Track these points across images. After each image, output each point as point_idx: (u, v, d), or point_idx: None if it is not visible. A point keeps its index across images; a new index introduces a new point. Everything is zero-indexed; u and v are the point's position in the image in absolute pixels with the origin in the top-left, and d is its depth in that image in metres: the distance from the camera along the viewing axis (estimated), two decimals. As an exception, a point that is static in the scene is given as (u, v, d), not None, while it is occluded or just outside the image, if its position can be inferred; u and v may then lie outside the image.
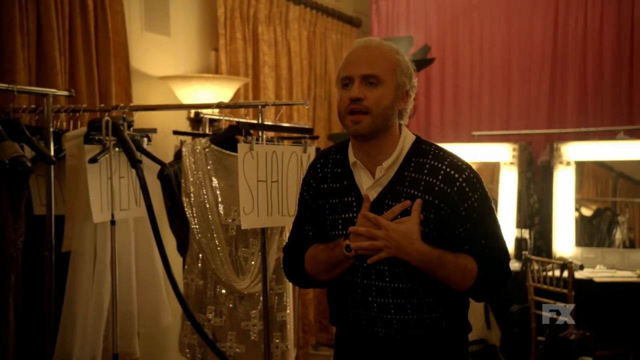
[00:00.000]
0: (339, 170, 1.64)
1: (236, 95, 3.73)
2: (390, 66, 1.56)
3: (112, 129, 2.29)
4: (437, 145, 1.63)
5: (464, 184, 1.54)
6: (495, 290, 1.61)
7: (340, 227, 1.59)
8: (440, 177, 1.55)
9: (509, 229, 4.28)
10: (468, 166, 1.58)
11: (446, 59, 5.28)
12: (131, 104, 2.80)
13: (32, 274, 2.24)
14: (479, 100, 5.21)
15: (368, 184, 1.59)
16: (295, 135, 3.50)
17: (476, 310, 3.84)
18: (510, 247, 4.22)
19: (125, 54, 3.19)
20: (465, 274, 1.53)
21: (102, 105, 2.73)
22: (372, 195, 1.57)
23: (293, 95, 4.56)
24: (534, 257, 3.70)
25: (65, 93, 2.22)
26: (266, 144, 2.37)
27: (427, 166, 1.56)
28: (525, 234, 4.20)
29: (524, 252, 3.83)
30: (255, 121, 2.63)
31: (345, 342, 1.68)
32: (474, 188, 1.55)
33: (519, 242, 4.15)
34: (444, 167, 1.56)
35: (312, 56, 4.84)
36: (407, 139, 1.61)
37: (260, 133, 2.43)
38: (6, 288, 1.81)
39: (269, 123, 2.57)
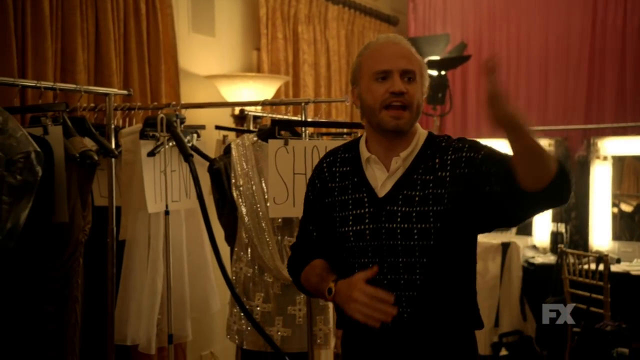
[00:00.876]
0: (348, 168, 1.65)
1: (277, 92, 3.88)
2: (421, 65, 1.60)
3: (166, 126, 2.44)
4: (449, 136, 1.64)
5: (471, 144, 1.56)
6: (569, 179, 1.42)
7: (350, 223, 1.58)
8: (450, 151, 1.56)
9: (545, 223, 4.33)
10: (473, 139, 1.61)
11: (482, 55, 5.32)
12: (181, 102, 2.97)
13: (92, 260, 2.42)
14: (515, 96, 5.25)
15: (382, 178, 1.59)
16: (333, 130, 3.64)
17: (512, 302, 3.91)
18: (547, 241, 4.26)
19: (174, 55, 3.36)
20: (548, 156, 1.38)
21: (156, 103, 2.90)
22: (387, 187, 1.58)
23: (331, 92, 4.69)
24: (569, 250, 3.75)
25: (125, 92, 2.39)
26: (308, 139, 2.51)
27: (439, 151, 1.58)
28: (561, 227, 4.24)
29: (559, 246, 3.88)
30: (298, 118, 2.77)
31: (354, 343, 1.65)
32: (479, 145, 1.56)
33: (555, 235, 4.19)
34: (452, 144, 1.58)
35: (350, 54, 4.96)
36: (421, 133, 1.63)
37: (303, 129, 2.57)
38: (75, 270, 1.99)
39: (310, 119, 2.70)
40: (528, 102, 5.18)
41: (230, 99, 3.57)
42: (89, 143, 2.18)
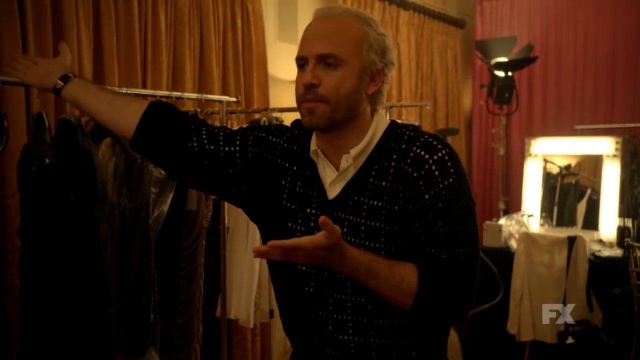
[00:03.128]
0: (302, 153, 1.36)
1: (354, 95, 4.18)
2: (354, 42, 1.26)
3: (267, 128, 2.79)
4: (415, 127, 1.33)
5: (433, 167, 1.22)
6: (447, 309, 1.21)
7: (300, 221, 1.32)
8: (409, 160, 1.25)
9: (611, 219, 4.46)
10: (446, 146, 1.26)
11: (549, 56, 5.48)
12: (277, 107, 3.32)
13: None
14: (582, 95, 5.38)
15: (332, 177, 1.31)
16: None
17: (578, 293, 4.07)
18: (613, 235, 4.40)
19: (264, 63, 3.72)
20: (402, 289, 1.19)
21: (254, 107, 3.27)
22: (336, 190, 1.30)
23: (402, 94, 4.96)
24: (636, 244, 3.89)
25: (234, 99, 2.76)
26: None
27: (398, 150, 1.27)
28: (629, 222, 4.36)
29: (626, 240, 4.03)
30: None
31: None
32: (446, 173, 1.22)
33: (622, 230, 4.33)
34: (414, 148, 1.25)
35: (419, 57, 5.22)
36: (379, 124, 1.33)
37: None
38: (200, 251, 2.36)
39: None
40: (595, 102, 5.30)
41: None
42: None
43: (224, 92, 3.40)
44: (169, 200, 2.09)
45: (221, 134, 1.41)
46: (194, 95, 2.60)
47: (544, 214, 4.79)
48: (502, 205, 5.15)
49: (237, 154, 1.38)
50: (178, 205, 2.18)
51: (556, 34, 5.47)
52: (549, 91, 5.54)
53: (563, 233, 4.26)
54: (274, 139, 1.40)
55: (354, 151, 1.29)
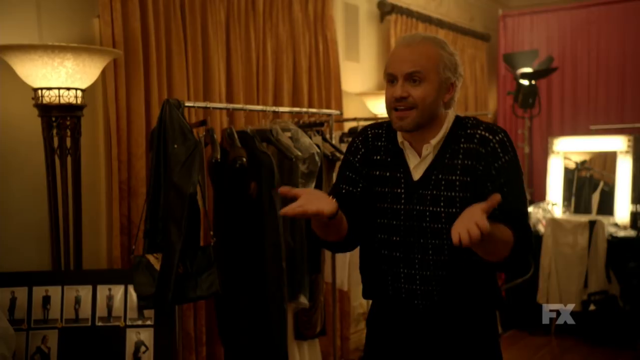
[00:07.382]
0: (390, 146, 1.70)
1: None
2: (433, 63, 1.60)
3: (359, 134, 3.56)
4: (475, 117, 1.70)
5: (496, 145, 1.60)
6: (524, 258, 1.61)
7: (388, 200, 1.66)
8: (475, 140, 1.62)
9: (625, 205, 5.23)
10: (503, 131, 1.64)
11: (566, 66, 6.24)
12: (351, 116, 4.09)
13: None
14: (595, 99, 6.13)
15: (415, 163, 1.67)
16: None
17: (598, 268, 4.82)
18: (626, 219, 5.16)
19: (339, 79, 4.48)
20: (506, 246, 1.54)
21: (344, 116, 4.04)
22: (420, 171, 1.66)
23: (440, 101, 5.72)
24: (647, 226, 4.66)
25: (338, 112, 3.53)
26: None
27: (464, 135, 1.63)
28: (640, 208, 5.13)
29: (639, 222, 4.79)
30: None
31: (383, 316, 1.74)
32: (506, 150, 1.62)
33: (634, 215, 5.08)
34: (479, 131, 1.63)
35: (453, 68, 5.98)
36: (449, 118, 1.67)
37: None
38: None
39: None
40: (607, 104, 6.06)
41: (375, 111, 4.67)
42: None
43: (310, 105, 4.16)
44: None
45: (348, 186, 1.72)
46: (314, 110, 3.37)
47: (565, 203, 5.55)
48: (527, 196, 5.90)
49: (362, 183, 1.72)
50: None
51: (572, 45, 6.22)
52: (566, 95, 6.30)
53: (584, 218, 5.03)
54: (361, 147, 1.74)
55: (433, 141, 1.64)
